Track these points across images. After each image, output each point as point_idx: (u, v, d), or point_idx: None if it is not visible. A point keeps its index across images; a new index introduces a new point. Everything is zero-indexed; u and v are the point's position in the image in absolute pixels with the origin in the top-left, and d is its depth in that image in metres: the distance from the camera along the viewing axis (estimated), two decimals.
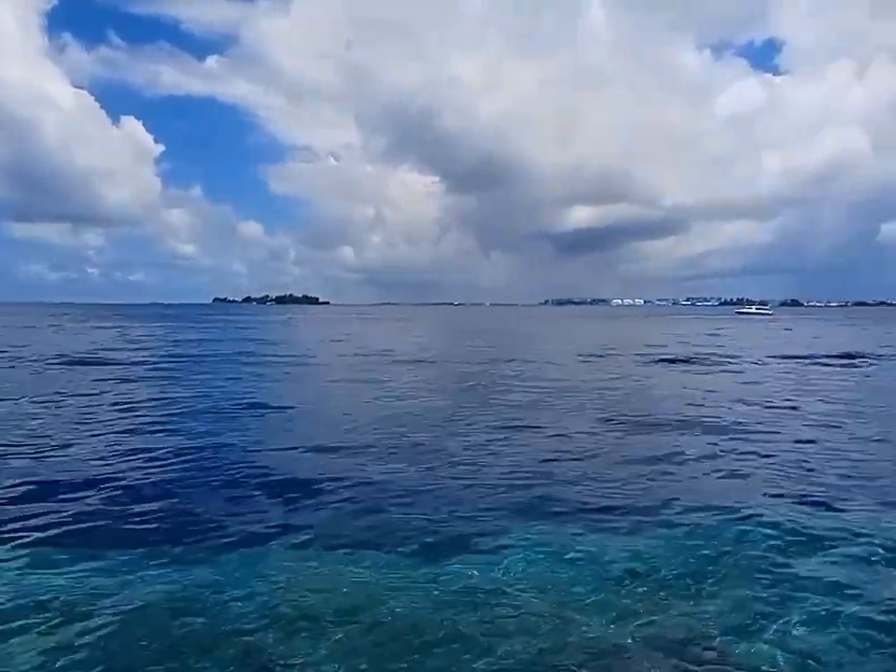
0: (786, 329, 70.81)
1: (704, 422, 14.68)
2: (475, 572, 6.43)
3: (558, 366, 28.80)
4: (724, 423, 14.62)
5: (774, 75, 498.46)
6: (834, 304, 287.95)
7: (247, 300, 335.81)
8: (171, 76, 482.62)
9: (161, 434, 12.81)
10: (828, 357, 31.71)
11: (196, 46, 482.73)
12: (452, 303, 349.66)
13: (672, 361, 30.07)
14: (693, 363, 29.59)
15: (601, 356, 33.67)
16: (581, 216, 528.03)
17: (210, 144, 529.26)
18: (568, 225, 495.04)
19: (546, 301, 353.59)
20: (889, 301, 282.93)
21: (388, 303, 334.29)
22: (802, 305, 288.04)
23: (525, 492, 9.15)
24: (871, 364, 29.07)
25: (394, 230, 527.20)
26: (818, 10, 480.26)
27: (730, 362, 30.10)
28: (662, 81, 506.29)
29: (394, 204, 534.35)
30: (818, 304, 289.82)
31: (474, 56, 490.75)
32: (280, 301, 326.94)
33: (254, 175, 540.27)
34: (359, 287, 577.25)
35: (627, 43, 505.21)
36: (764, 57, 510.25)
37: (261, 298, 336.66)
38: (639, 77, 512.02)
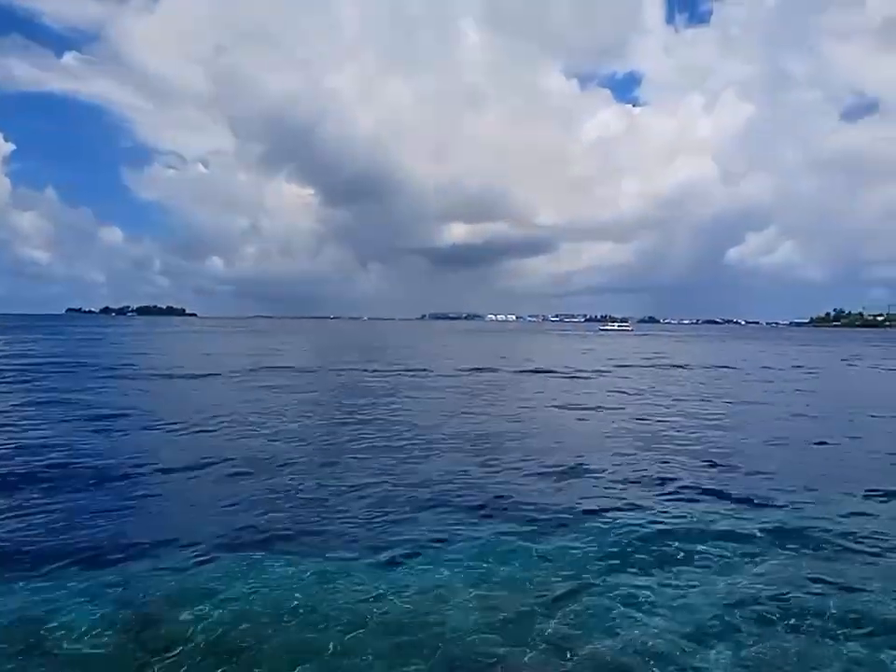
0: (640, 344, 78.04)
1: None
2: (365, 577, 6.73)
3: (436, 378, 29.55)
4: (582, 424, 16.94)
5: (634, 105, 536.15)
6: (687, 321, 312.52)
7: (106, 310, 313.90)
8: (25, 71, 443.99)
9: None
10: (669, 366, 39.01)
11: (55, 41, 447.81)
12: (328, 317, 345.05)
13: (545, 372, 33.54)
14: (558, 374, 32.83)
15: (487, 369, 34.95)
16: (457, 232, 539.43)
17: (69, 144, 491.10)
18: (445, 241, 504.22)
19: (424, 316, 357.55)
20: (734, 320, 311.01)
21: (262, 316, 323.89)
22: (658, 322, 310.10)
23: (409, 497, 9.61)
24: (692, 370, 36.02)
25: (269, 241, 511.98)
26: (672, 47, 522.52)
27: (589, 372, 33.86)
28: (533, 105, 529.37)
29: (269, 215, 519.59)
30: (672, 321, 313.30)
31: (351, 69, 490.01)
32: (143, 312, 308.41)
33: (117, 179, 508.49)
34: (231, 300, 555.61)
35: (500, 65, 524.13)
36: (625, 88, 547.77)
37: (121, 308, 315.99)
38: (512, 99, 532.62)
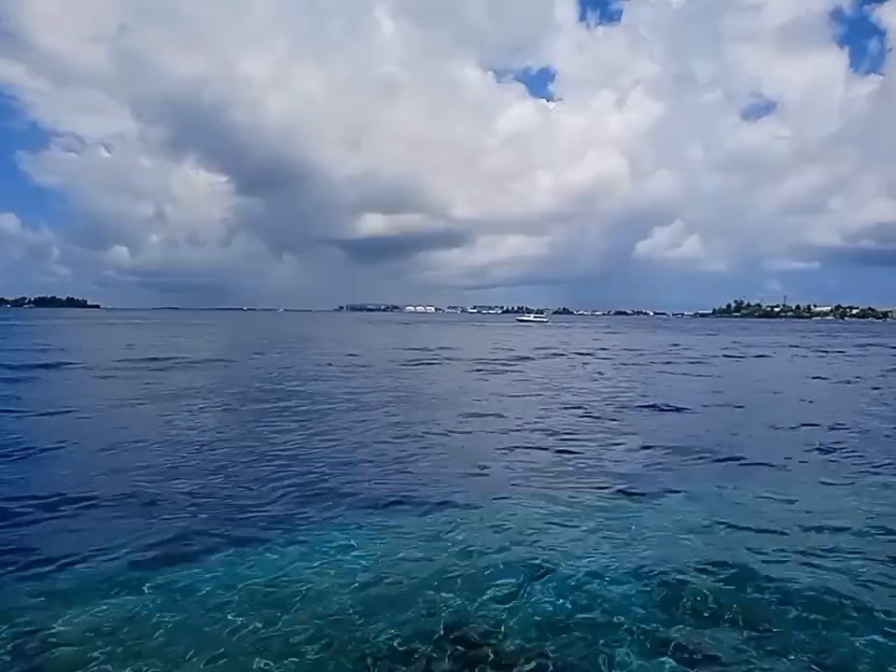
0: (551, 334, 79.47)
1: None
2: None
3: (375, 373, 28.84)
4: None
5: (548, 100, 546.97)
6: (599, 313, 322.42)
7: (0, 302, 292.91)
8: None
9: None
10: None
11: None
12: (242, 308, 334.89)
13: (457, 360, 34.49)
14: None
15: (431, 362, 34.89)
16: (374, 223, 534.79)
17: None
18: (362, 232, 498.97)
19: (342, 307, 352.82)
20: (643, 311, 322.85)
21: (170, 308, 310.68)
22: (572, 313, 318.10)
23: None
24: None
25: (177, 229, 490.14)
26: (584, 44, 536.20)
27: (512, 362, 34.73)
28: (449, 97, 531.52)
29: (177, 202, 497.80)
30: (585, 313, 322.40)
31: (263, 54, 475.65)
32: (41, 303, 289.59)
33: (10, 162, 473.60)
34: (136, 291, 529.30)
35: (416, 56, 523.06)
36: (540, 83, 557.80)
37: (17, 300, 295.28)
38: (428, 90, 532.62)
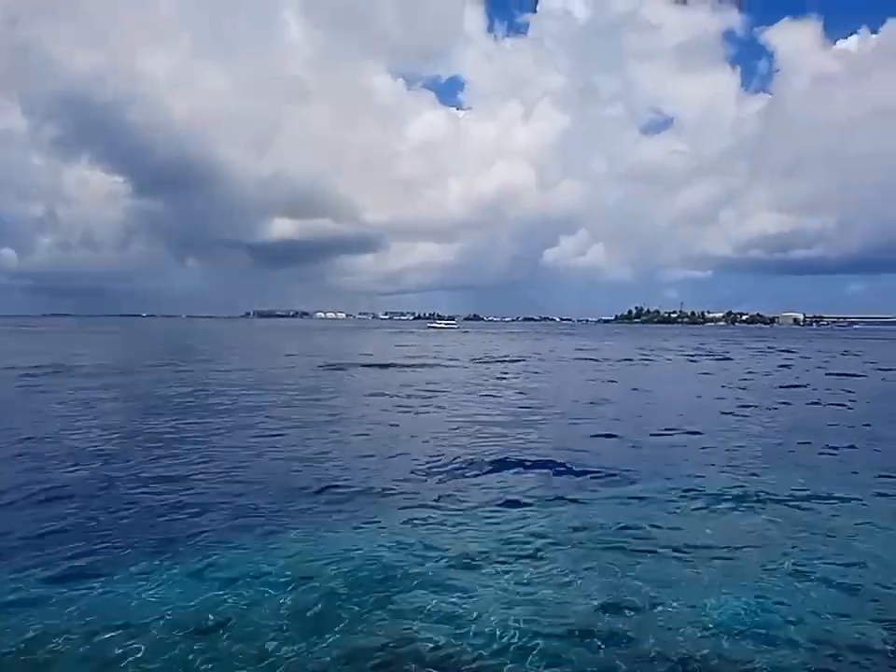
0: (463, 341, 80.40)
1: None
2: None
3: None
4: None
5: (458, 109, 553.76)
6: (508, 319, 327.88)
7: None
8: None
9: None
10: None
11: None
12: (140, 315, 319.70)
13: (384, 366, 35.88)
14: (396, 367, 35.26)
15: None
16: (283, 227, 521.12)
17: None
18: (271, 236, 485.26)
19: (249, 314, 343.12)
20: (550, 317, 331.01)
21: (62, 314, 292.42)
22: (483, 319, 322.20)
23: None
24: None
25: (70, 231, 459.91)
26: (493, 55, 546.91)
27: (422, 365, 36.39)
28: (360, 102, 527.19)
29: (70, 203, 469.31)
30: (495, 319, 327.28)
31: (165, 52, 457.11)
32: None
33: None
34: (26, 296, 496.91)
35: (325, 60, 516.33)
36: (450, 92, 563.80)
37: None
38: (338, 95, 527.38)
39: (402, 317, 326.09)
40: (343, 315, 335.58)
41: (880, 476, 11.76)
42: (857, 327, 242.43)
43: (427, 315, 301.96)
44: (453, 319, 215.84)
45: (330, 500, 9.93)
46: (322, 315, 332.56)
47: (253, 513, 9.19)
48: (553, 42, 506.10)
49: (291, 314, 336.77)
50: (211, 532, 8.33)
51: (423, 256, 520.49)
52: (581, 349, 60.89)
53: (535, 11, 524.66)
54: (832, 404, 22.04)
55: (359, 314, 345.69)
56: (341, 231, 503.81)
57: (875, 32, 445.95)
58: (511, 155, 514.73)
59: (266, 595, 6.53)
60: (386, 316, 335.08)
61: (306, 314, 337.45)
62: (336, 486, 10.60)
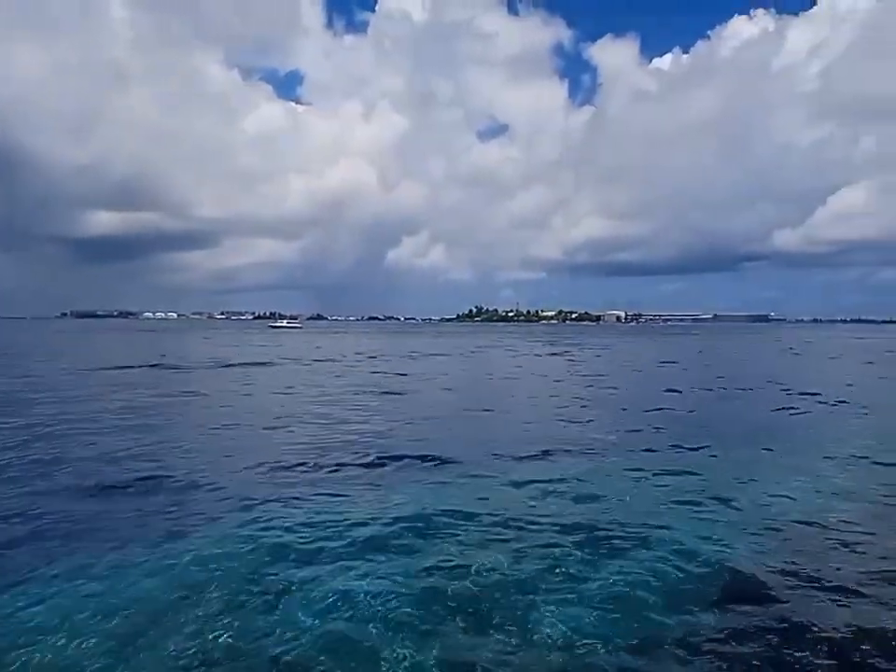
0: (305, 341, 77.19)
1: None
2: None
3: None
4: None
5: (297, 104, 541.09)
6: (353, 318, 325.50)
7: None
8: None
9: None
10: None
11: None
12: None
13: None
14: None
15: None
16: (105, 220, 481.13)
17: None
18: (90, 230, 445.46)
19: (65, 314, 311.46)
20: (395, 316, 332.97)
21: None
22: (326, 319, 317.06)
23: None
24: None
25: None
26: (332, 51, 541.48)
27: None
28: (192, 91, 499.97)
29: None
30: (339, 318, 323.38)
31: None
32: None
33: None
34: None
35: (152, 45, 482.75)
36: (288, 86, 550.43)
37: None
38: (168, 82, 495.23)
39: (241, 317, 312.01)
40: (175, 315, 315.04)
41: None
42: (670, 322, 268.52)
43: (268, 314, 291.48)
44: (296, 319, 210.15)
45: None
46: (150, 314, 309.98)
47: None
48: (393, 43, 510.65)
49: (115, 314, 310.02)
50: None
51: (262, 253, 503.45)
52: (426, 347, 61.35)
53: (374, 11, 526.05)
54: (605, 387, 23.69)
55: (192, 313, 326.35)
56: (171, 225, 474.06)
57: (686, 52, 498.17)
58: (352, 153, 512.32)
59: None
60: (223, 316, 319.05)
61: (132, 314, 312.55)
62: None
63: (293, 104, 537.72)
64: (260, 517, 8.91)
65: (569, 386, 27.17)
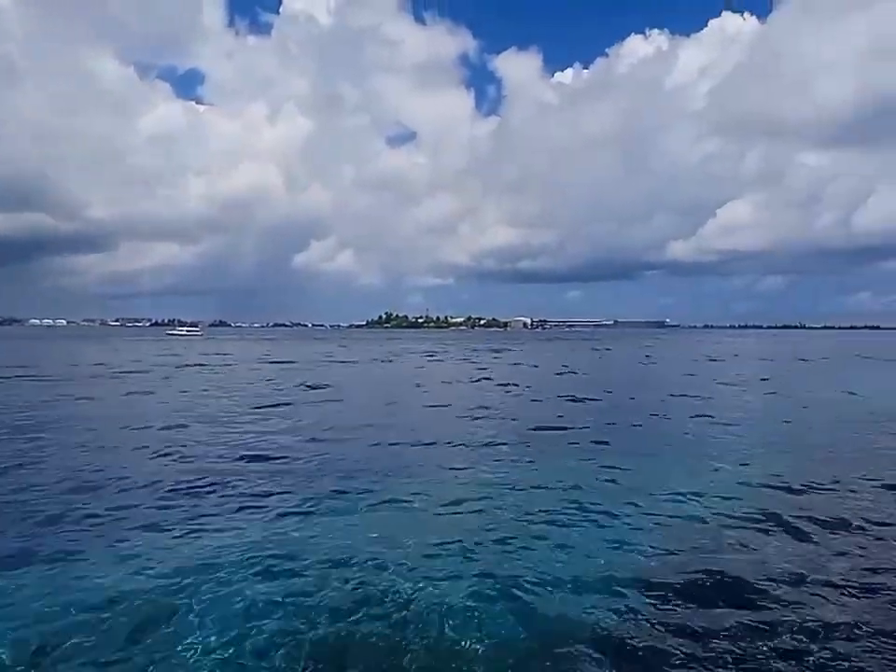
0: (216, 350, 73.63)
1: None
2: None
3: None
4: None
5: (198, 103, 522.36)
6: (258, 325, 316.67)
7: None
8: None
9: None
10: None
11: None
12: None
13: None
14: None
15: None
16: None
17: None
18: None
19: None
20: (302, 323, 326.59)
21: None
22: (230, 325, 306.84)
23: None
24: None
25: None
26: (235, 51, 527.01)
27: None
28: (84, 88, 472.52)
29: None
30: (243, 325, 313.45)
31: None
32: None
33: None
34: None
35: (39, 39, 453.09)
36: (188, 85, 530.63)
37: None
38: (58, 79, 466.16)
39: (137, 324, 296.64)
40: (64, 322, 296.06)
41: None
42: (574, 329, 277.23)
43: (166, 321, 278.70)
44: (196, 326, 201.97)
45: None
46: (38, 321, 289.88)
47: None
48: (298, 46, 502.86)
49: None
50: None
51: (161, 257, 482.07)
52: (332, 352, 60.33)
53: (278, 12, 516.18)
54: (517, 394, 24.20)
55: (84, 320, 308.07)
56: (60, 227, 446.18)
57: (587, 67, 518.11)
58: (257, 155, 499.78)
59: None
60: (118, 323, 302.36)
61: (16, 320, 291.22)
62: None
63: (194, 103, 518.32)
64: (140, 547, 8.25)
65: (487, 394, 27.12)
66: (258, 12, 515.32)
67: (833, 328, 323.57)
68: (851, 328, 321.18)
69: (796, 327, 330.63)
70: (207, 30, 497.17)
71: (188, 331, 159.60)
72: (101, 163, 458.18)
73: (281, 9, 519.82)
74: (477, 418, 19.68)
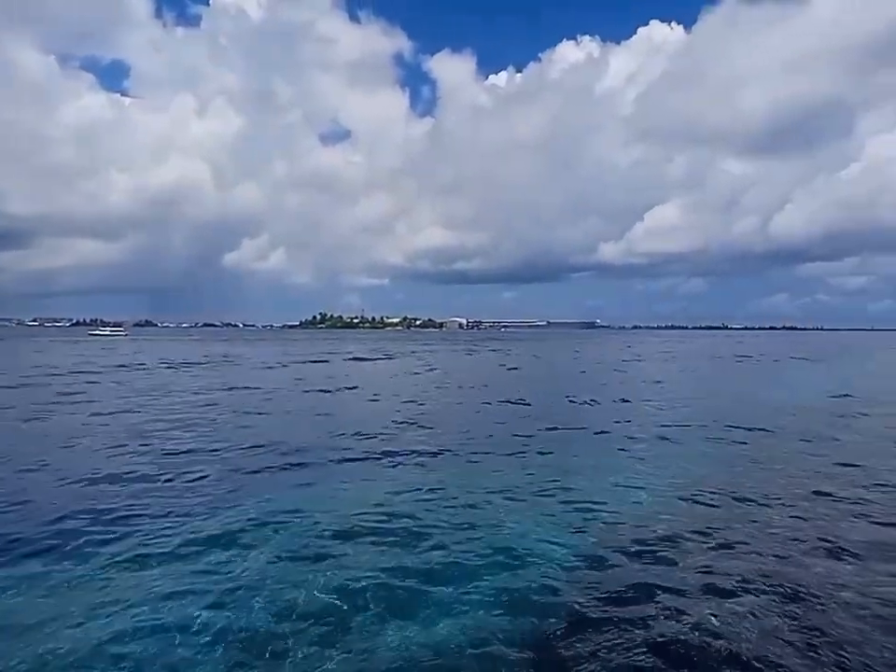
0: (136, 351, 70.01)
1: None
2: None
3: None
4: None
5: (123, 95, 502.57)
6: (186, 325, 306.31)
7: None
8: None
9: None
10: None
11: None
12: None
13: None
14: None
15: None
16: None
17: None
18: None
19: None
20: (233, 323, 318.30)
21: None
22: (157, 325, 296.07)
23: None
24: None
25: None
26: (162, 43, 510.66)
27: None
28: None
29: None
30: (170, 325, 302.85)
31: None
32: None
33: None
34: None
35: None
36: (113, 77, 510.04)
37: None
38: None
39: (57, 324, 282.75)
40: None
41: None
42: (508, 329, 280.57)
43: (88, 321, 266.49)
44: (120, 326, 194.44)
45: None
46: None
47: None
48: (229, 40, 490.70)
49: None
50: None
51: (83, 254, 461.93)
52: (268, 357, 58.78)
53: (208, 4, 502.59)
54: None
55: None
56: None
57: (520, 71, 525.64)
58: (185, 150, 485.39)
59: None
60: (35, 322, 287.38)
61: None
62: None
63: (119, 96, 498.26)
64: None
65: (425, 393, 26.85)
66: (186, 3, 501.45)
67: (752, 328, 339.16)
68: (770, 328, 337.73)
69: (719, 327, 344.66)
70: (133, 20, 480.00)
71: (111, 331, 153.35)
72: (18, 156, 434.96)
73: (211, 1, 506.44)
74: (395, 421, 19.38)
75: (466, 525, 9.05)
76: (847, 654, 5.70)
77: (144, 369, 39.86)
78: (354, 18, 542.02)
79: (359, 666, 5.54)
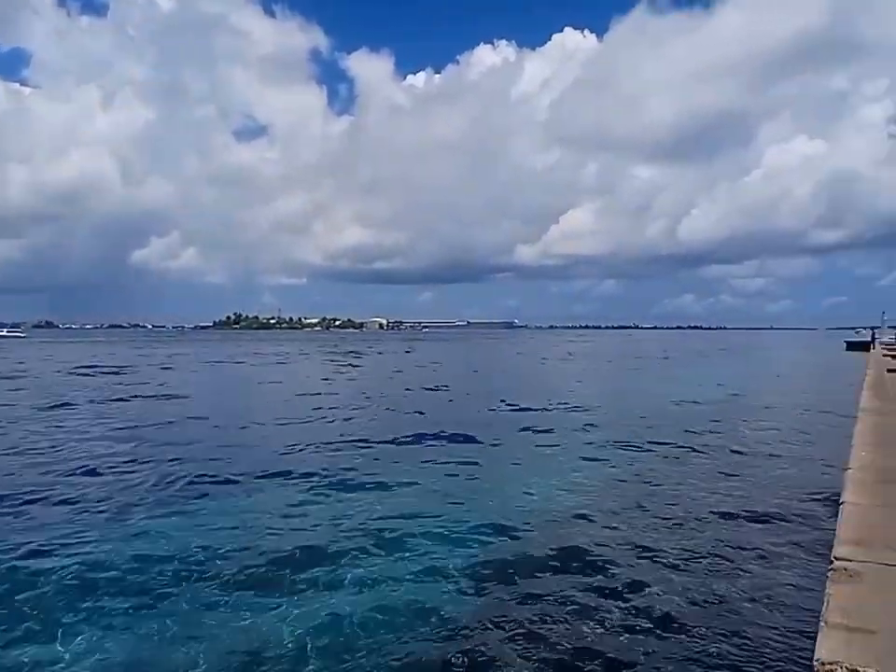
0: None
1: None
2: None
3: None
4: None
5: (22, 85, 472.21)
6: (90, 326, 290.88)
7: None
8: None
9: None
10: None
11: None
12: None
13: None
14: None
15: None
16: None
17: None
18: None
19: None
20: (141, 324, 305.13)
21: None
22: (58, 327, 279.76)
23: None
24: None
25: None
26: (66, 32, 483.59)
27: None
28: None
29: None
30: (73, 326, 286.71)
31: None
32: None
33: None
34: None
35: None
36: (11, 66, 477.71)
37: None
38: None
39: None
40: None
41: None
42: (428, 330, 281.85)
43: None
44: (18, 327, 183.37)
45: None
46: None
47: None
48: (136, 29, 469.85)
49: None
50: None
51: None
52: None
53: None
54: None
55: None
56: None
57: (438, 72, 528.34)
58: (89, 143, 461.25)
59: None
60: None
61: None
62: None
63: (18, 85, 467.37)
64: None
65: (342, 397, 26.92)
66: None
67: (661, 328, 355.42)
68: (678, 328, 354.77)
69: (630, 327, 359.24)
70: (35, 7, 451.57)
71: (8, 332, 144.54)
72: None
73: None
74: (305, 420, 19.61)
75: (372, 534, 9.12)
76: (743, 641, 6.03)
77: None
78: (269, 12, 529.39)
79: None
